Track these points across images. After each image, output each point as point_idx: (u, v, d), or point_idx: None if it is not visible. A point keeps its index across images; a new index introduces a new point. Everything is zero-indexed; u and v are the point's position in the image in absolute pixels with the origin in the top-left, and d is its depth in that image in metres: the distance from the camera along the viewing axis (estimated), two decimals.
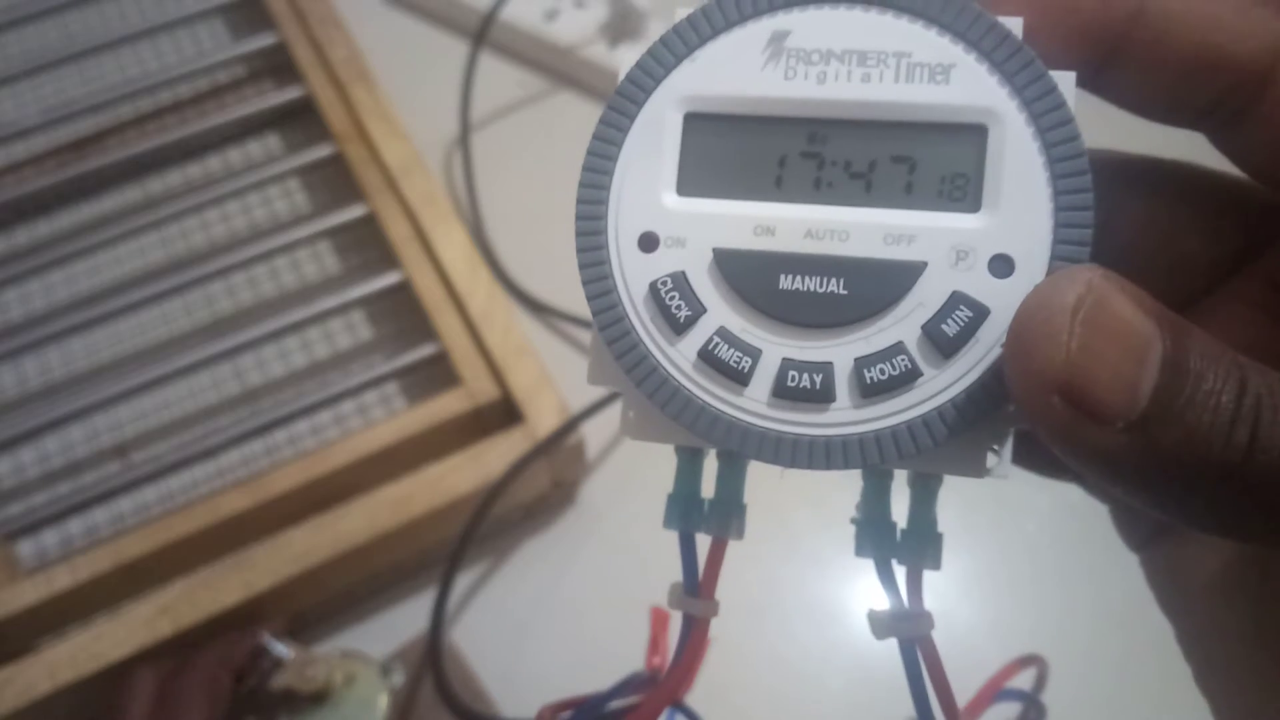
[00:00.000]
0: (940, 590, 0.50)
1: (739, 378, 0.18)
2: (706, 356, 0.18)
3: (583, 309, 0.64)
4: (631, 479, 0.54)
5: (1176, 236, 0.20)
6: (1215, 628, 0.21)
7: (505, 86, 0.67)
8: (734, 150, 0.19)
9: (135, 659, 0.44)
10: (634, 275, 0.19)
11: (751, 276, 0.18)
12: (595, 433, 0.51)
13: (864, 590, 0.49)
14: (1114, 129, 0.21)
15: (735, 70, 0.19)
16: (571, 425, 0.48)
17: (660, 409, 0.19)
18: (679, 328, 0.18)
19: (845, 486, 0.20)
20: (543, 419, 0.48)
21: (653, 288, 0.19)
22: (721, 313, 0.18)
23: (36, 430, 0.51)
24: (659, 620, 0.41)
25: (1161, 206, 0.21)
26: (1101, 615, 0.48)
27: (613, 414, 0.49)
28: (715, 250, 0.18)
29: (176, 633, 0.44)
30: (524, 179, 0.63)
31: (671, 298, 0.18)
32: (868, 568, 0.20)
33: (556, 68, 0.67)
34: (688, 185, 0.19)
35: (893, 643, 0.20)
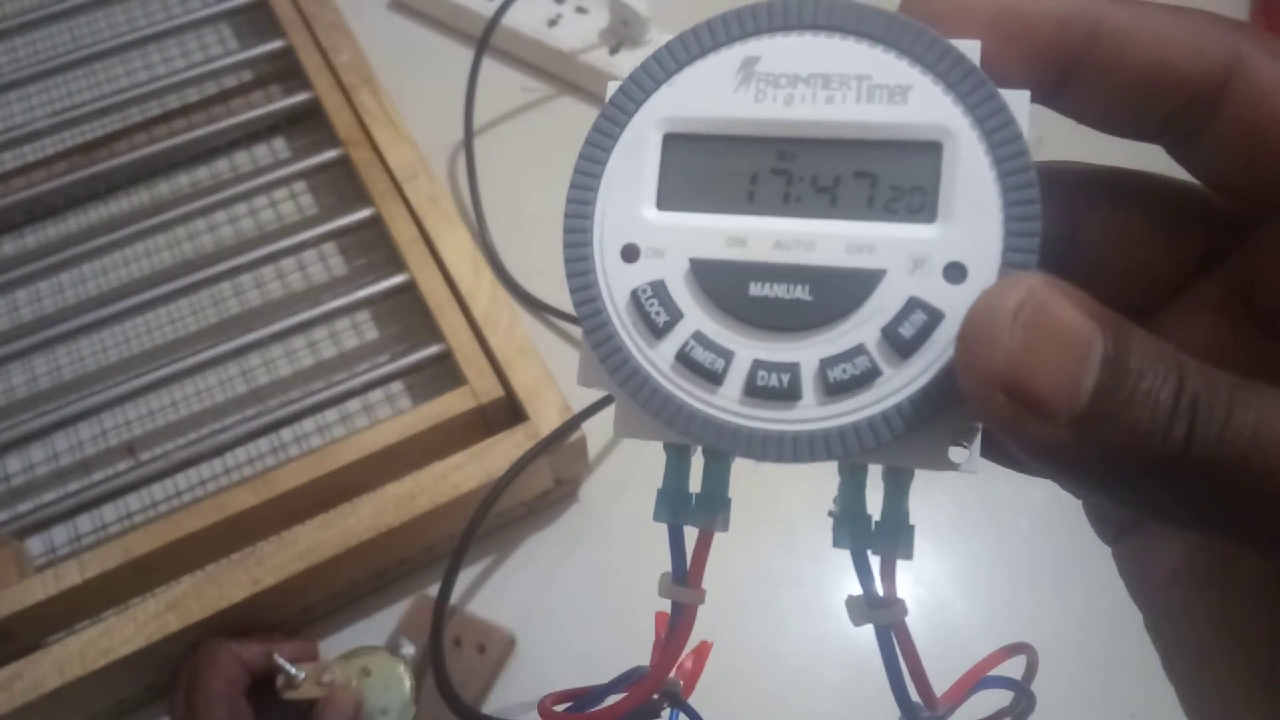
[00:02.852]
0: (936, 586, 0.50)
1: (713, 378, 0.19)
2: (683, 358, 0.19)
3: None
4: (632, 476, 0.54)
5: (1139, 245, 0.21)
6: (1180, 615, 0.21)
7: (508, 91, 0.68)
8: (709, 167, 0.20)
9: (144, 654, 0.45)
10: (617, 284, 0.20)
11: (725, 284, 0.19)
12: (597, 431, 0.52)
13: (857, 586, 0.50)
14: (1084, 139, 0.22)
15: (710, 94, 0.20)
16: (573, 424, 0.49)
17: (642, 408, 0.20)
18: (658, 332, 0.20)
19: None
20: (545, 417, 0.49)
21: (634, 295, 0.20)
22: (697, 318, 0.19)
23: (46, 429, 0.52)
24: (664, 625, 0.42)
25: (1124, 216, 0.21)
26: (1094, 610, 0.49)
27: (613, 413, 0.49)
28: (692, 260, 0.20)
29: (184, 628, 0.45)
30: (526, 182, 0.64)
31: (651, 304, 0.20)
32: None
33: (558, 73, 0.68)
34: (667, 200, 0.20)
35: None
